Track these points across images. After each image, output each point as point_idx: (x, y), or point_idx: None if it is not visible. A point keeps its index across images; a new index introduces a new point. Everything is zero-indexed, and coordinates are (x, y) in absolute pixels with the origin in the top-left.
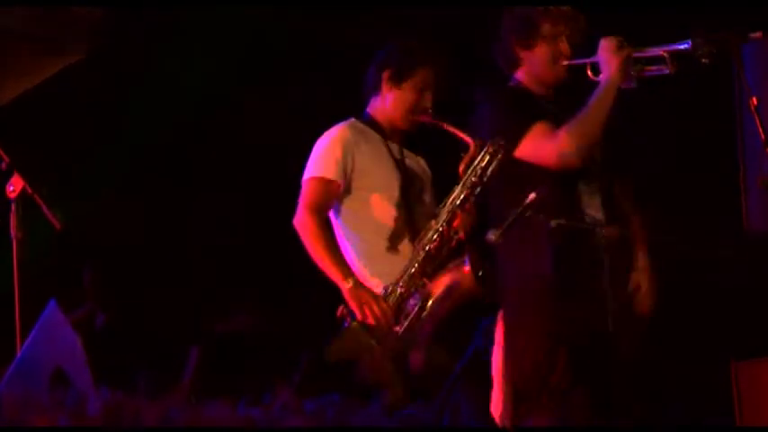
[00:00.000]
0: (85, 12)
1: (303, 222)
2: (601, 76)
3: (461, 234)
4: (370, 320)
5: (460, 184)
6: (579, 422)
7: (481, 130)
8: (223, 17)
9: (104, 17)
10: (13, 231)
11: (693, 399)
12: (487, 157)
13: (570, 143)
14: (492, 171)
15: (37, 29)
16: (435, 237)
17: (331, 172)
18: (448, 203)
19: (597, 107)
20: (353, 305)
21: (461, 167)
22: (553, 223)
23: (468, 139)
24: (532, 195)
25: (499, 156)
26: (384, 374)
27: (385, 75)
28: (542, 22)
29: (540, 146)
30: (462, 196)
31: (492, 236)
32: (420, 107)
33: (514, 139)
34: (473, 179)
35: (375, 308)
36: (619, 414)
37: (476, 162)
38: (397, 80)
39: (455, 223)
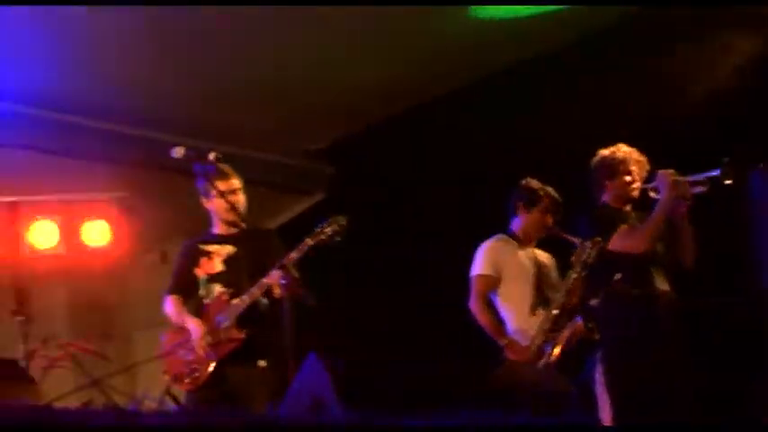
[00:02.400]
0: (319, 165)
1: (474, 306)
2: (659, 195)
3: (575, 301)
4: (520, 361)
5: (572, 270)
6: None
7: (584, 235)
8: None
9: (336, 170)
10: (286, 312)
11: None
12: (588, 251)
13: (643, 238)
14: (592, 259)
15: (275, 177)
16: (559, 305)
17: (489, 269)
18: (566, 282)
19: (659, 216)
20: (509, 354)
21: (573, 258)
22: (635, 292)
23: (576, 241)
24: (619, 275)
25: (596, 249)
26: (527, 396)
27: (519, 204)
28: (621, 164)
29: (624, 240)
30: (574, 276)
31: (593, 303)
32: (546, 224)
33: (607, 237)
34: (580, 265)
35: (523, 356)
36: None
37: (582, 255)
38: (529, 207)
39: (571, 295)
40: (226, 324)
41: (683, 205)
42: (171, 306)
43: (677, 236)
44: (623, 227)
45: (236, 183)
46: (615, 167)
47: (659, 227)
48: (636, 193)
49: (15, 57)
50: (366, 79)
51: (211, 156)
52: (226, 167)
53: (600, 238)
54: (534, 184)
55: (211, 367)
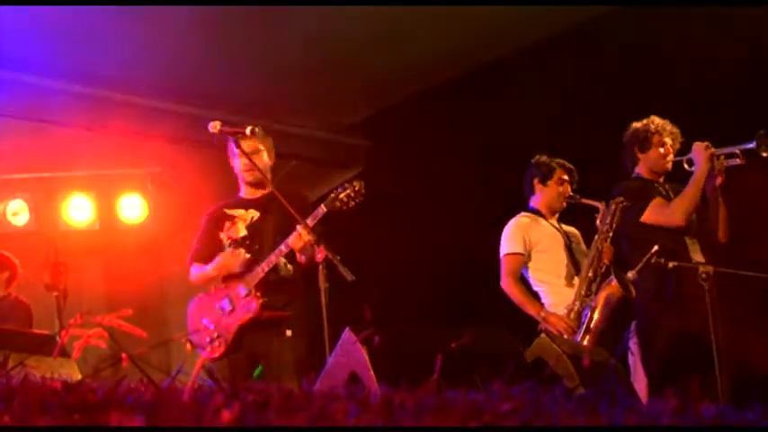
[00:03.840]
0: (355, 138)
1: (506, 285)
2: (694, 167)
3: (607, 261)
4: (560, 333)
5: (599, 233)
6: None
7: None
8: None
9: (373, 144)
10: (321, 283)
11: None
12: (612, 212)
13: (678, 211)
14: (616, 219)
15: (318, 154)
16: (590, 268)
17: (517, 247)
18: (593, 246)
19: (693, 188)
20: (549, 326)
21: (597, 222)
22: (670, 265)
23: (597, 204)
24: (656, 247)
25: (619, 209)
26: (564, 369)
27: (535, 180)
28: (654, 135)
29: (659, 213)
30: (602, 239)
31: (630, 275)
32: (563, 195)
33: (641, 209)
34: (605, 227)
35: (562, 325)
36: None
37: (606, 217)
38: (545, 181)
39: (601, 256)
40: (245, 292)
41: (717, 178)
42: (195, 272)
43: (712, 208)
44: (658, 199)
45: (259, 145)
46: (648, 140)
47: (694, 200)
48: (669, 166)
49: (52, 32)
50: (401, 54)
51: (248, 130)
52: (258, 130)
53: (621, 198)
54: (544, 158)
55: (233, 333)
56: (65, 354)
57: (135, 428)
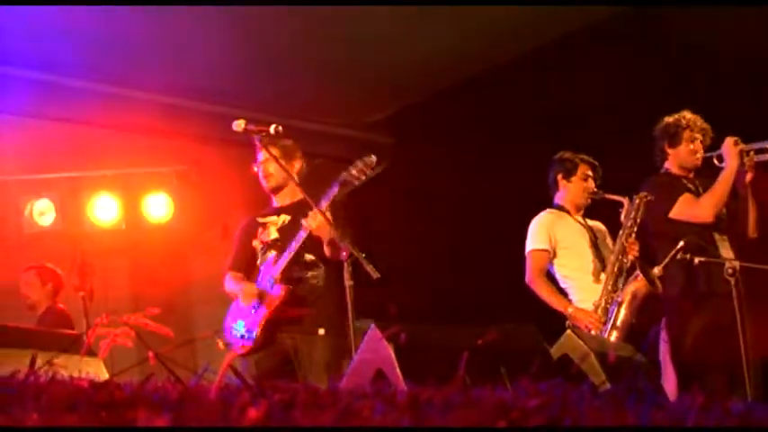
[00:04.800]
0: (378, 136)
1: (532, 282)
2: (724, 163)
3: (632, 257)
4: (588, 329)
5: (623, 228)
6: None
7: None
8: None
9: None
10: (346, 281)
11: None
12: (636, 206)
13: (707, 207)
14: (640, 214)
15: (335, 149)
16: (616, 263)
17: (543, 243)
18: (618, 240)
19: (723, 184)
20: (576, 322)
21: (622, 217)
22: (696, 260)
23: (622, 199)
24: (682, 243)
25: (643, 204)
26: (590, 366)
27: (559, 176)
28: (684, 130)
29: (687, 209)
30: (626, 234)
31: (656, 270)
32: (587, 190)
33: (669, 204)
34: (630, 222)
35: (589, 320)
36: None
37: (631, 212)
38: (568, 177)
39: (626, 252)
40: (271, 282)
41: (747, 173)
42: (229, 282)
43: (741, 204)
44: (686, 195)
45: (263, 154)
46: (678, 135)
47: (723, 196)
48: (699, 162)
49: (80, 33)
50: (423, 52)
51: (272, 129)
52: (280, 130)
53: (646, 193)
54: (568, 154)
55: (262, 326)
56: (92, 353)
57: (161, 428)
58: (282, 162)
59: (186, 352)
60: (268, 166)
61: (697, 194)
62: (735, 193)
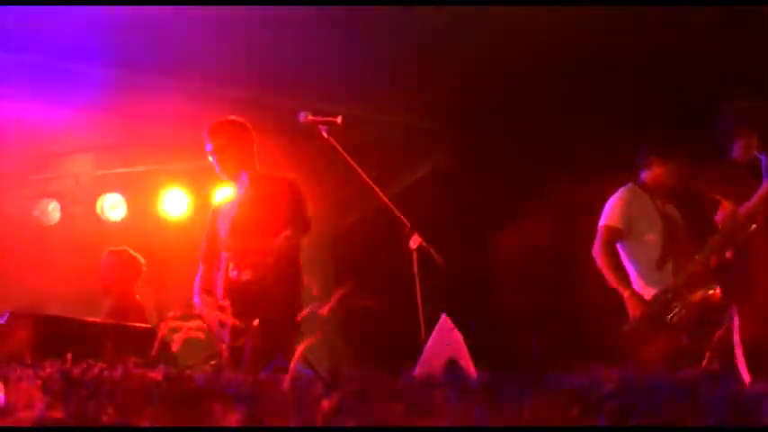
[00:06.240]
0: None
1: (597, 254)
2: None
3: (713, 263)
4: (635, 319)
5: (719, 234)
6: None
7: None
8: None
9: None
10: (414, 271)
11: None
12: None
13: None
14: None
15: (400, 139)
16: (697, 267)
17: (617, 221)
18: (710, 245)
19: None
20: (630, 307)
21: (717, 218)
22: None
23: (725, 201)
24: (754, 225)
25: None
26: (653, 353)
27: (652, 155)
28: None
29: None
30: (720, 242)
31: (729, 256)
32: (679, 176)
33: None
34: (730, 231)
35: (638, 312)
36: None
37: (734, 220)
38: (662, 158)
39: (712, 257)
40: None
41: None
42: (197, 300)
43: None
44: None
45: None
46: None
47: None
48: None
49: (149, 28)
50: (485, 46)
51: (338, 119)
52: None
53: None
54: (666, 135)
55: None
56: (165, 346)
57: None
58: (238, 144)
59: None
60: (224, 153)
61: None
62: None
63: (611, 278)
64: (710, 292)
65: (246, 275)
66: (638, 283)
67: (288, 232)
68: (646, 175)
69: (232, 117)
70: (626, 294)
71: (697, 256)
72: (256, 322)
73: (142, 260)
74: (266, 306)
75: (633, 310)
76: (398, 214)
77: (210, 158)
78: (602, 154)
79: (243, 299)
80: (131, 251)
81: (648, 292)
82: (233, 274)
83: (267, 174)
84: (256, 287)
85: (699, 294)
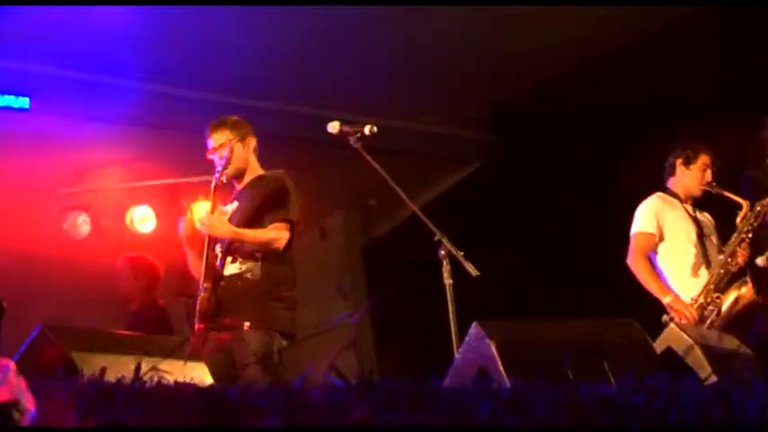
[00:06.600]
0: (478, 132)
1: (633, 263)
2: None
3: (741, 262)
4: (684, 321)
5: (738, 231)
6: None
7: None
8: None
9: (492, 138)
10: (445, 280)
11: None
12: (758, 213)
13: None
14: (759, 221)
15: (433, 148)
16: (724, 266)
17: (650, 228)
18: (731, 244)
19: None
20: (673, 312)
21: (738, 220)
22: None
23: (741, 201)
24: None
25: (765, 211)
26: (695, 359)
27: (678, 162)
28: None
29: None
30: (740, 239)
31: (759, 261)
32: (704, 181)
33: None
34: (747, 227)
35: (687, 312)
36: None
37: (751, 218)
38: (688, 164)
39: (737, 256)
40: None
41: None
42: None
43: None
44: None
45: (213, 141)
46: None
47: None
48: None
49: (177, 41)
50: (524, 48)
51: (366, 129)
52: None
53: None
54: (691, 141)
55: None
56: (196, 357)
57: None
58: (238, 143)
59: (290, 353)
60: (222, 152)
61: None
62: None
63: (650, 285)
64: (742, 290)
65: (233, 269)
66: (674, 287)
67: (271, 228)
68: (672, 183)
69: (233, 116)
70: (668, 300)
71: (721, 257)
72: (247, 325)
73: (158, 264)
74: (249, 301)
75: (679, 314)
76: (429, 223)
77: (210, 157)
78: (645, 160)
79: (228, 293)
80: (147, 256)
81: (685, 297)
82: (219, 264)
83: (266, 173)
84: (241, 281)
85: (731, 294)
